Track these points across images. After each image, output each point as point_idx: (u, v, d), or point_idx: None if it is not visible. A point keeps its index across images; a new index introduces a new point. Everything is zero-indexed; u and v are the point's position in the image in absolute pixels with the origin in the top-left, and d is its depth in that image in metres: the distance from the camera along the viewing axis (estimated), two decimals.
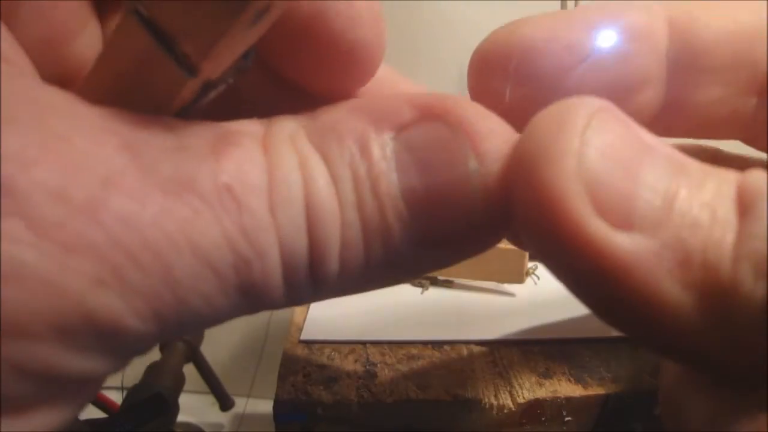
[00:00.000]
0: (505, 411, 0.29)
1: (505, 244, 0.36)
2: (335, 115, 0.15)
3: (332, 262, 0.14)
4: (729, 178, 0.13)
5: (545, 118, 0.14)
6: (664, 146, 0.13)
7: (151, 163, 0.12)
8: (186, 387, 0.48)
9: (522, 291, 0.38)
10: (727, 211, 0.12)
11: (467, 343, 0.33)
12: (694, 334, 0.12)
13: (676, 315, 0.12)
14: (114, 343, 0.12)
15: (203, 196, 0.12)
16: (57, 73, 0.15)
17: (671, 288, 0.12)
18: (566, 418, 0.29)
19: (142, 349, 0.13)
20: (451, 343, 0.33)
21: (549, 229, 0.13)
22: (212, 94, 0.15)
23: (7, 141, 0.11)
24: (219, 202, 0.13)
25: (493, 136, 0.15)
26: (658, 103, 0.17)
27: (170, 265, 0.12)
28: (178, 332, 0.13)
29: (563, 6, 0.49)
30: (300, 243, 0.13)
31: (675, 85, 0.17)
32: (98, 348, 0.12)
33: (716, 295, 0.11)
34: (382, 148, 0.14)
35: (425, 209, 0.14)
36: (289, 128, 0.14)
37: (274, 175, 0.13)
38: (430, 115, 0.15)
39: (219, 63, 0.14)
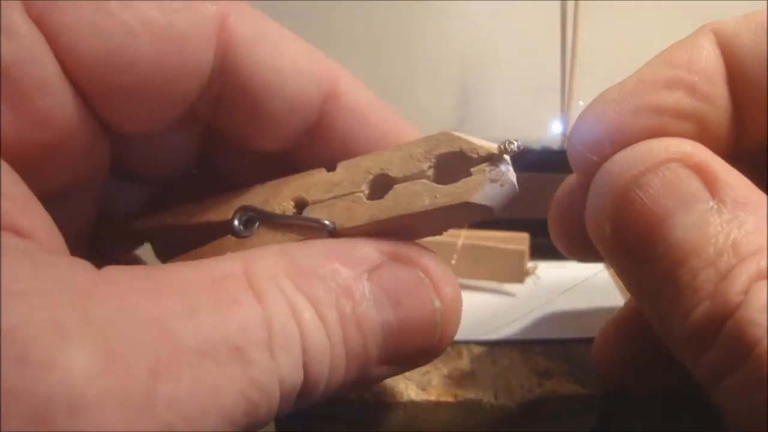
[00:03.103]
0: (505, 411, 0.29)
1: (505, 244, 0.36)
2: (313, 260, 0.17)
3: (321, 387, 0.17)
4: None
5: (616, 158, 0.18)
6: (744, 212, 0.17)
7: (176, 336, 0.14)
8: None
9: (522, 291, 0.38)
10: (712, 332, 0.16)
11: (467, 343, 0.33)
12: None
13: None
14: None
15: (221, 361, 0.14)
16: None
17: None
18: (566, 419, 0.29)
19: None
20: (451, 343, 0.33)
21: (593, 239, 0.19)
22: None
23: (77, 357, 0.12)
24: (232, 363, 0.14)
25: (450, 281, 0.19)
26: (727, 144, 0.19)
27: (200, 429, 0.14)
28: None
29: (563, 6, 0.49)
30: (297, 378, 0.16)
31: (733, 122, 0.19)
32: None
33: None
34: (362, 289, 0.17)
35: (397, 337, 0.18)
36: (269, 268, 0.17)
37: (273, 327, 0.15)
38: (398, 258, 0.18)
39: None
